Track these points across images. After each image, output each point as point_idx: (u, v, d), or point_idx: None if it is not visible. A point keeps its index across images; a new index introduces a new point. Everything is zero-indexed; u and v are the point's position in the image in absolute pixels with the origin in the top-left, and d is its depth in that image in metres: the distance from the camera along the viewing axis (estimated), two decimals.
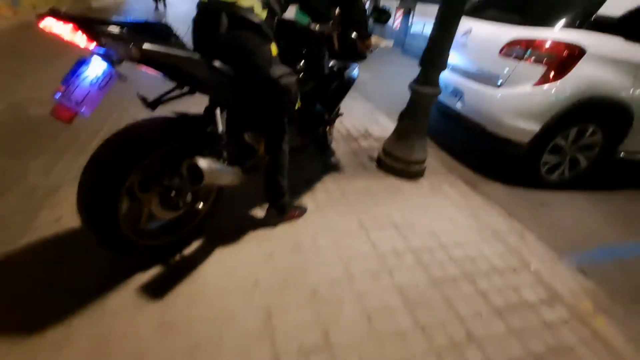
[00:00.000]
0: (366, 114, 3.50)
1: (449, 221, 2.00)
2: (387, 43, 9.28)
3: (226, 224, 1.69)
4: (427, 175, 2.46)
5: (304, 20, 1.85)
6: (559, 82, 2.27)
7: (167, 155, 1.29)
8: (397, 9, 8.76)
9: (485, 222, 2.05)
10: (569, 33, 2.25)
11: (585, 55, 2.19)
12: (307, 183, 2.14)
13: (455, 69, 2.94)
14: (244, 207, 1.83)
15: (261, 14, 1.26)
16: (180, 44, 1.21)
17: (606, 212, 2.45)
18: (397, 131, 2.34)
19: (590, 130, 2.45)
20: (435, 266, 1.64)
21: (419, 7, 7.98)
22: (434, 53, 2.02)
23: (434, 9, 2.05)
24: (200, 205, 1.52)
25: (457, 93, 2.86)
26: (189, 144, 1.31)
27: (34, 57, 4.08)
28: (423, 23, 7.76)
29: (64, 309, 1.18)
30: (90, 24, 0.97)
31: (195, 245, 1.54)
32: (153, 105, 1.36)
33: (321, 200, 2.01)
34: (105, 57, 1.02)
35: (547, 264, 1.79)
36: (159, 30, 1.18)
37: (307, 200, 1.98)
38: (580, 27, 2.25)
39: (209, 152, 1.30)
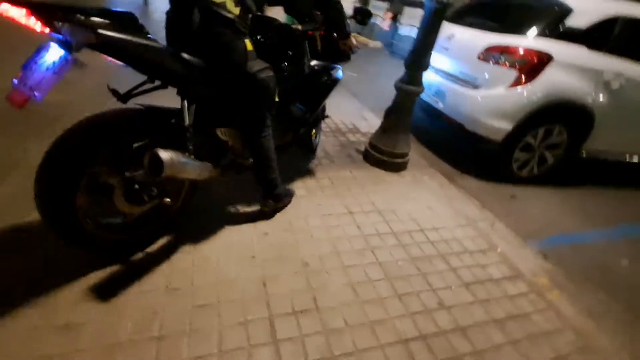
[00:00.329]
0: (354, 110, 3.68)
1: (427, 209, 2.19)
2: (376, 44, 9.51)
3: (224, 208, 1.82)
4: (410, 168, 2.65)
5: (289, 21, 1.91)
6: (529, 85, 2.49)
7: (129, 147, 1.25)
8: (386, 11, 8.99)
9: (460, 210, 2.25)
10: (539, 41, 2.49)
11: (552, 62, 2.42)
12: (298, 171, 2.28)
13: (438, 71, 3.15)
14: (240, 193, 1.95)
15: (234, 9, 1.25)
16: (144, 34, 1.16)
17: (569, 205, 2.71)
18: (382, 126, 2.52)
19: (557, 130, 2.70)
20: (414, 246, 1.82)
21: (408, 10, 8.23)
22: (418, 55, 2.21)
23: (421, 13, 2.23)
24: (169, 200, 1.43)
25: (440, 93, 3.07)
26: (152, 136, 1.29)
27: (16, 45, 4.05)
28: (410, 26, 8.00)
29: (79, 277, 1.29)
30: (45, 9, 0.94)
31: (195, 224, 1.66)
32: (124, 98, 1.29)
33: (311, 187, 2.16)
34: (62, 43, 0.99)
35: (512, 247, 2.01)
36: (123, 19, 1.13)
37: (298, 186, 2.13)
38: (549, 36, 2.49)
39: (175, 146, 1.24)
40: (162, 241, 1.52)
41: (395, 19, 8.83)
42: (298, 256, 1.59)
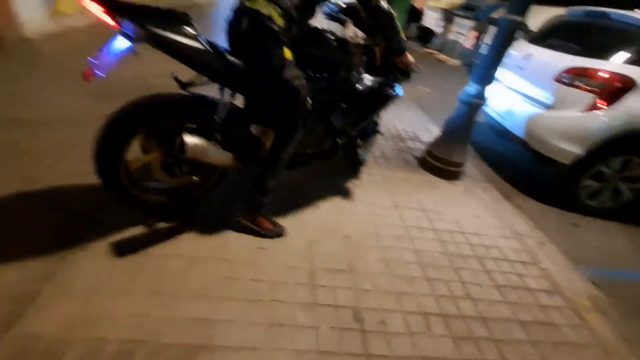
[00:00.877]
0: (418, 122, 3.81)
1: (473, 217, 2.26)
2: (455, 62, 9.36)
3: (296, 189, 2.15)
4: (464, 179, 2.71)
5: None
6: (607, 110, 2.40)
7: (170, 126, 1.45)
8: (470, 30, 8.82)
9: (509, 224, 2.27)
10: (622, 67, 2.39)
11: (634, 88, 2.31)
12: (352, 168, 2.53)
13: (510, 89, 3.15)
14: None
15: (279, 21, 1.36)
16: (193, 33, 1.31)
17: (638, 244, 2.49)
18: (441, 135, 2.65)
19: (637, 162, 2.52)
20: (452, 244, 1.94)
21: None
22: (485, 69, 2.31)
23: None
24: (196, 179, 1.64)
25: (509, 112, 3.06)
26: (190, 121, 1.47)
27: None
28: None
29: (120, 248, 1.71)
30: (114, 7, 1.14)
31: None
32: (185, 86, 1.45)
33: (364, 181, 2.39)
34: (126, 35, 1.17)
35: (558, 267, 1.98)
36: (178, 19, 1.29)
37: (351, 179, 2.37)
38: (633, 63, 2.37)
39: (205, 133, 1.44)
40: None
41: (479, 38, 8.61)
42: (342, 230, 1.84)
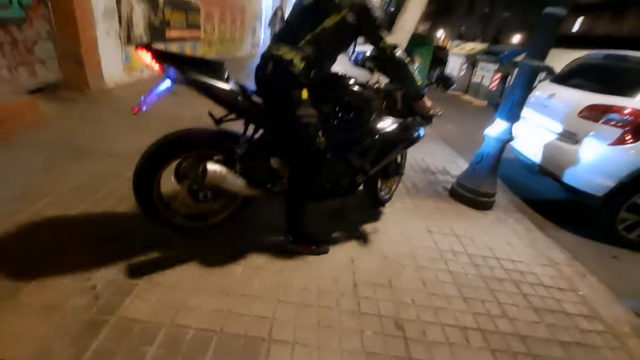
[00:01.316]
0: (447, 156, 3.99)
1: (506, 244, 2.33)
2: (481, 102, 9.61)
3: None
4: (496, 209, 2.81)
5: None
6: (634, 144, 2.49)
7: (197, 157, 1.62)
8: (495, 73, 9.16)
9: (544, 253, 2.31)
10: None
11: None
12: (374, 207, 2.68)
13: (537, 127, 3.30)
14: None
15: (299, 65, 1.51)
16: (225, 78, 1.50)
17: None
18: (470, 166, 2.81)
19: None
20: (486, 268, 2.02)
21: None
22: (509, 108, 2.51)
23: None
24: (217, 206, 1.81)
25: (538, 147, 3.19)
26: (213, 152, 1.62)
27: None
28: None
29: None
30: (161, 56, 1.37)
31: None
32: (218, 121, 1.64)
33: (397, 208, 2.56)
34: (170, 78, 1.40)
35: (599, 296, 1.98)
36: (213, 66, 1.51)
37: (385, 208, 2.54)
38: None
39: (228, 163, 1.60)
40: None
41: (504, 79, 8.90)
42: (379, 250, 2.00)
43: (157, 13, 4.96)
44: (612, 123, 2.58)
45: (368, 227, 2.22)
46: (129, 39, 4.31)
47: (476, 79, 10.30)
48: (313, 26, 1.52)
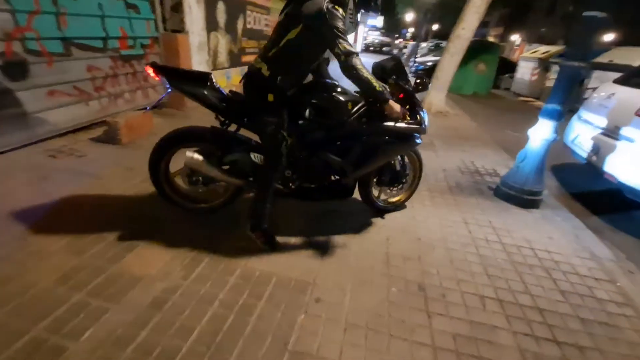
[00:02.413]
0: (499, 160, 4.01)
1: (547, 238, 2.40)
2: None
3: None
4: (543, 208, 2.84)
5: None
6: None
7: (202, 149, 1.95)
8: None
9: (587, 248, 2.33)
10: None
11: None
12: (429, 192, 2.95)
13: (595, 127, 3.21)
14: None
15: (265, 73, 1.72)
16: (210, 86, 1.81)
17: None
18: (516, 166, 2.90)
19: None
20: (518, 255, 2.16)
21: (596, 74, 7.56)
22: (553, 107, 2.60)
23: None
24: (217, 193, 2.15)
25: (595, 148, 3.11)
26: (206, 145, 1.96)
27: None
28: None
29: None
30: (160, 70, 1.80)
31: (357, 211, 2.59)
32: (222, 123, 1.96)
33: (437, 202, 2.79)
34: (167, 86, 1.83)
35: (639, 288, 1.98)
36: (200, 76, 1.84)
37: (426, 201, 2.79)
38: None
39: (208, 153, 1.92)
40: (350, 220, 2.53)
41: (581, 83, 8.17)
42: (414, 233, 2.28)
43: (236, 43, 5.91)
44: None
45: (406, 216, 2.51)
46: (214, 65, 5.26)
47: (549, 83, 9.60)
48: (280, 40, 1.70)
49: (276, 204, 2.01)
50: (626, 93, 3.02)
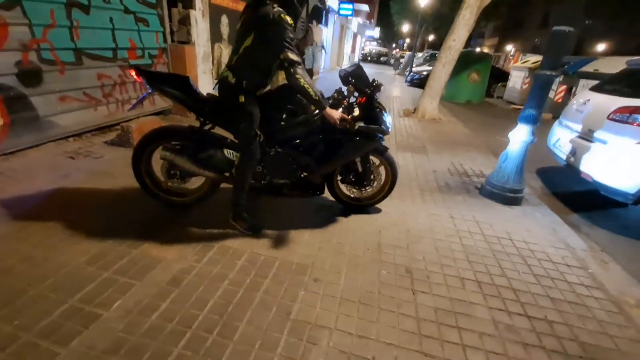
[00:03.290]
0: (487, 163, 4.25)
1: (525, 230, 2.62)
2: (546, 115, 9.23)
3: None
4: (525, 205, 3.07)
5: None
6: None
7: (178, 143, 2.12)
8: (560, 84, 8.82)
9: (563, 240, 2.55)
10: None
11: None
12: (419, 190, 3.18)
13: (572, 130, 3.47)
14: None
15: (231, 79, 1.88)
16: (188, 88, 1.98)
17: None
18: (498, 166, 3.14)
19: None
20: (498, 245, 2.38)
21: (582, 82, 7.88)
22: (528, 113, 2.84)
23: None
24: (195, 187, 2.35)
25: (573, 150, 3.36)
26: (181, 141, 2.13)
27: None
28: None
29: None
30: (141, 73, 1.93)
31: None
32: (201, 122, 2.12)
33: (426, 199, 3.01)
34: (148, 87, 1.97)
35: (613, 275, 2.18)
36: (179, 79, 1.99)
37: (416, 198, 3.01)
38: None
39: (183, 148, 2.10)
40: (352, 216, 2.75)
41: (570, 91, 8.52)
42: (404, 226, 2.50)
43: None
44: (637, 123, 2.73)
45: (397, 211, 2.73)
46: (218, 73, 5.54)
47: None
48: (239, 48, 1.86)
49: (278, 201, 2.23)
50: (600, 99, 3.29)
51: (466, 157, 4.48)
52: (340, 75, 2.22)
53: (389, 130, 2.27)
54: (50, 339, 1.32)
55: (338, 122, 1.98)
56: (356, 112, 2.20)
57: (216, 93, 2.10)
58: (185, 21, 4.61)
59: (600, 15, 19.21)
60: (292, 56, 1.77)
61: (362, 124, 2.15)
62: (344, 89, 2.24)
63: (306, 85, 1.83)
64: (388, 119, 2.28)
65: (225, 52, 5.67)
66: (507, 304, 1.81)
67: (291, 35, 1.76)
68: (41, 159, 2.92)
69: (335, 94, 2.25)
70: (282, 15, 1.73)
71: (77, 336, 1.34)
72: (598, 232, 2.96)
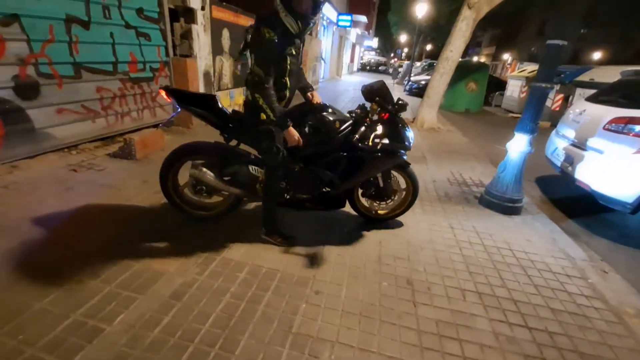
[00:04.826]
0: (487, 172, 4.28)
1: (525, 240, 2.64)
2: (544, 124, 9.32)
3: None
4: (524, 214, 3.09)
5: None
6: None
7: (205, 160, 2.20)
8: (557, 93, 8.92)
9: (563, 249, 2.56)
10: None
11: None
12: (420, 201, 3.20)
13: (569, 140, 3.51)
14: None
15: (249, 96, 1.94)
16: (214, 106, 2.07)
17: None
18: (497, 176, 3.17)
19: None
20: (498, 255, 2.39)
21: (579, 91, 7.98)
22: (525, 123, 2.89)
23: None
24: (219, 201, 2.40)
25: (569, 159, 3.40)
26: (207, 158, 2.21)
27: None
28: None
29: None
30: (171, 92, 2.03)
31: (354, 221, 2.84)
32: (225, 139, 2.16)
33: (426, 209, 3.03)
34: (176, 106, 2.08)
35: (613, 285, 2.18)
36: (205, 98, 2.10)
37: (416, 209, 3.03)
38: None
39: (210, 166, 2.17)
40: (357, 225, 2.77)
41: (567, 99, 8.62)
42: (404, 237, 2.51)
43: (239, 66, 6.29)
44: (633, 133, 2.77)
45: (397, 222, 2.74)
46: (219, 86, 5.61)
47: None
48: (249, 67, 1.92)
49: (279, 214, 2.26)
50: (595, 109, 3.33)
51: (465, 166, 4.51)
52: (362, 92, 2.24)
53: (411, 146, 2.28)
54: (54, 353, 1.33)
55: (297, 143, 1.99)
56: (379, 129, 2.17)
57: (238, 108, 2.17)
58: (187, 35, 4.70)
59: (595, 24, 19.57)
60: (259, 72, 1.81)
61: (385, 141, 2.16)
62: (367, 105, 2.24)
63: (264, 106, 1.86)
64: (410, 134, 2.28)
65: (226, 64, 5.76)
66: (507, 315, 1.82)
67: (269, 50, 1.79)
68: (44, 172, 2.95)
69: (358, 110, 2.25)
70: (262, 28, 1.77)
71: (81, 351, 1.35)
72: (597, 241, 2.97)
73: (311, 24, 1.91)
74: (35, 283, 1.68)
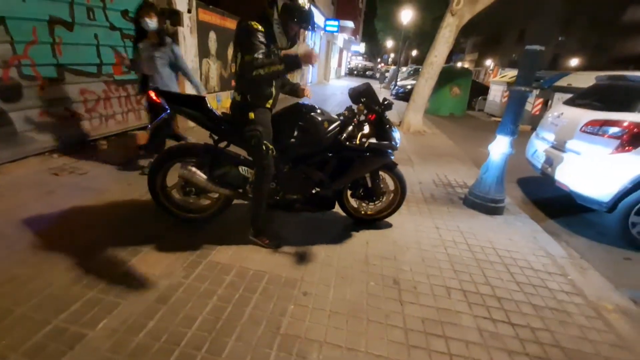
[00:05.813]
0: (471, 174, 4.37)
1: (507, 239, 2.71)
2: (524, 127, 9.60)
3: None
4: (506, 214, 3.17)
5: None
6: (632, 151, 2.77)
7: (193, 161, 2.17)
8: (536, 98, 9.22)
9: (543, 248, 2.64)
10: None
11: None
12: (406, 202, 3.24)
13: (548, 142, 3.63)
14: None
15: (237, 97, 2.00)
16: (203, 108, 2.06)
17: None
18: (480, 177, 3.25)
19: None
20: (481, 254, 2.45)
21: (557, 96, 8.27)
22: (506, 125, 2.98)
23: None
24: (208, 204, 2.38)
25: (549, 160, 3.51)
26: (196, 159, 2.18)
27: None
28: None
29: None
30: (161, 94, 2.05)
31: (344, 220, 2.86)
32: (215, 142, 2.19)
33: (412, 211, 3.08)
34: (166, 107, 2.05)
35: (591, 282, 2.26)
36: (196, 100, 2.09)
37: (402, 209, 3.06)
38: None
39: (200, 167, 2.15)
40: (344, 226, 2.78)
41: (546, 104, 8.91)
42: (391, 237, 2.54)
43: (226, 68, 6.27)
44: (607, 135, 2.89)
45: (384, 223, 2.77)
46: (206, 88, 5.57)
47: None
48: (236, 67, 1.95)
49: (266, 216, 2.26)
50: (572, 112, 3.47)
51: (450, 168, 4.60)
52: (349, 94, 2.30)
53: (398, 146, 2.33)
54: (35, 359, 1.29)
55: (315, 54, 1.83)
56: (366, 129, 2.23)
57: (226, 111, 2.17)
58: (173, 37, 4.66)
59: (573, 33, 20.39)
60: (249, 57, 1.78)
61: (373, 141, 2.20)
62: (354, 107, 2.30)
63: (268, 69, 1.77)
64: (397, 135, 2.33)
65: (213, 67, 5.73)
66: (491, 311, 1.86)
67: (260, 40, 1.79)
68: (25, 175, 2.86)
69: (346, 112, 2.30)
70: (249, 22, 1.81)
71: (62, 357, 1.32)
72: (576, 239, 3.07)
73: (296, 42, 2.02)
74: (16, 289, 1.63)
